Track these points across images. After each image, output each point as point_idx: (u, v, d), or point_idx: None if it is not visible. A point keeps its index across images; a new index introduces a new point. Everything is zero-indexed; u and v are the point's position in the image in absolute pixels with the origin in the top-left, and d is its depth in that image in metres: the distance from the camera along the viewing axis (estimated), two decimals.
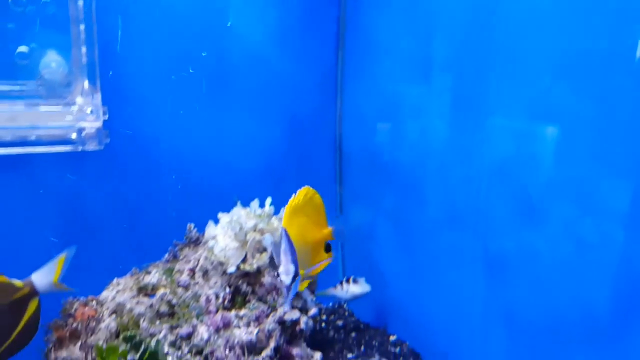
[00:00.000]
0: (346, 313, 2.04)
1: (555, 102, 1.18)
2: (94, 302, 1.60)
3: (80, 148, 1.37)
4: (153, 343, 1.30)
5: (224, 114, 1.98)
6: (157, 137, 1.87)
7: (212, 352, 1.33)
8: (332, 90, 2.15)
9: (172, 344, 1.37)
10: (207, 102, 1.95)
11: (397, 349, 1.69)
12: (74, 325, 1.52)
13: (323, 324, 1.93)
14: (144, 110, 1.82)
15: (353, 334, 1.83)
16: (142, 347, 1.26)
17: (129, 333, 1.32)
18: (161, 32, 1.80)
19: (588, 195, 1.10)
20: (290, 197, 1.47)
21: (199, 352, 1.35)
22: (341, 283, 1.84)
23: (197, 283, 1.58)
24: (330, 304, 2.11)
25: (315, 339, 1.72)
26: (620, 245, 1.04)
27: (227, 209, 1.64)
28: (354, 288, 1.79)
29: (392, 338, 1.79)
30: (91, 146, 1.39)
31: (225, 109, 1.98)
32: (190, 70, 1.78)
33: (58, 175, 1.68)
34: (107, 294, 1.60)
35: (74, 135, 1.33)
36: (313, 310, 1.63)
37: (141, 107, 1.81)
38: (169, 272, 1.63)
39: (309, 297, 1.70)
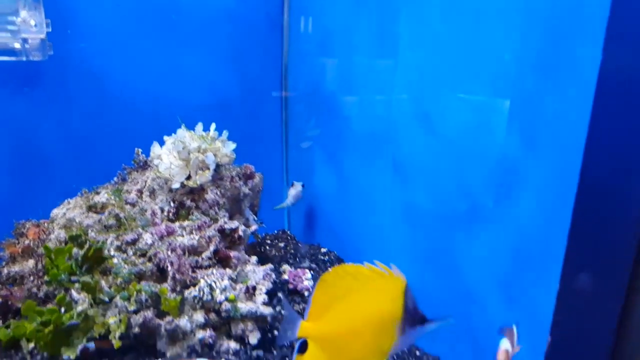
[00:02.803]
0: (288, 237, 2.20)
1: (512, 78, 1.24)
2: (46, 224, 1.69)
3: (24, 58, 1.44)
4: (98, 244, 1.41)
5: (173, 49, 2.05)
6: (107, 69, 1.94)
7: (155, 254, 1.45)
8: (279, 28, 2.24)
9: (118, 248, 1.48)
10: (156, 38, 2.02)
11: (326, 257, 1.88)
12: (26, 242, 1.61)
13: (267, 247, 2.08)
14: (95, 43, 1.89)
15: (292, 251, 1.99)
16: (87, 245, 1.36)
17: (74, 233, 1.42)
18: None
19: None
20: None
21: (143, 254, 1.47)
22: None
23: (145, 201, 1.68)
24: (276, 231, 2.26)
25: (259, 257, 1.86)
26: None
27: None
28: (291, 191, 1.98)
29: (323, 250, 1.98)
30: (35, 57, 1.46)
31: (173, 45, 2.05)
32: None
33: (7, 101, 1.75)
34: (57, 211, 1.69)
35: (17, 45, 1.40)
36: (254, 227, 1.78)
37: (92, 39, 1.88)
38: (118, 192, 1.73)
39: (251, 216, 1.84)
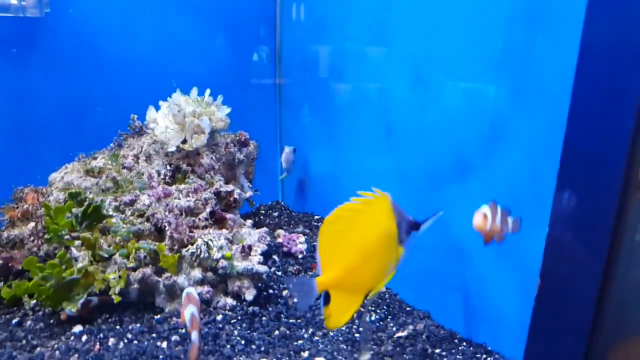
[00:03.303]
0: (282, 207, 2.23)
1: (501, 34, 1.26)
2: (44, 189, 1.71)
3: (21, 14, 1.44)
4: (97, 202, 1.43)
5: (168, 20, 2.05)
6: (102, 38, 1.94)
7: (153, 215, 1.48)
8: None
9: (116, 209, 1.51)
10: (151, 8, 2.02)
11: (319, 223, 1.91)
12: (25, 206, 1.63)
13: (261, 216, 2.11)
14: (90, 11, 1.89)
15: (285, 219, 2.03)
16: (86, 202, 1.39)
17: (73, 190, 1.44)
18: None
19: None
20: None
21: (141, 214, 1.50)
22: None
23: (141, 165, 1.70)
24: (269, 202, 2.30)
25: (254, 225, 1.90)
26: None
27: None
28: (283, 157, 2.01)
29: (317, 217, 2.02)
30: (32, 13, 1.47)
31: (169, 16, 2.05)
32: None
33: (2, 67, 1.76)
34: (55, 175, 1.71)
35: (13, 1, 1.40)
36: (249, 193, 1.81)
37: (86, 7, 1.88)
38: (114, 157, 1.75)
39: (246, 184, 1.87)
